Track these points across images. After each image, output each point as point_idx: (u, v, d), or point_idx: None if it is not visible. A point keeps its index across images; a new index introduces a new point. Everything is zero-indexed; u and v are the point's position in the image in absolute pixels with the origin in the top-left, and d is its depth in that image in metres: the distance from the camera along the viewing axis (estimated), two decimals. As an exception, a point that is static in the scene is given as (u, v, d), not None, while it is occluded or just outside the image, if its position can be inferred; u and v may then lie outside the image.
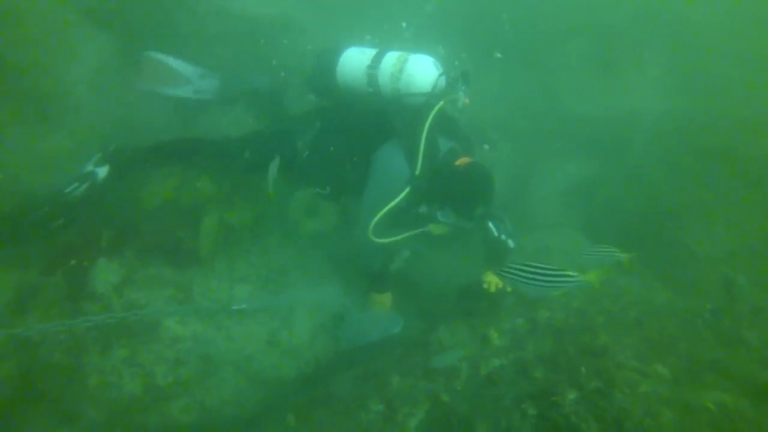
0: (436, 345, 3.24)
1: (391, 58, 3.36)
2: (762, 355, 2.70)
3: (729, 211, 4.11)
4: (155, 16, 4.86)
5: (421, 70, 3.31)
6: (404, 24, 4.21)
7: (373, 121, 3.44)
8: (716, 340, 2.89)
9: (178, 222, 4.01)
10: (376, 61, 3.39)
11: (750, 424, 2.12)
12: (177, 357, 3.35)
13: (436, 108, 3.14)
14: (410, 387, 2.85)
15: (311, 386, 3.55)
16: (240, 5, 5.15)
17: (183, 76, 4.59)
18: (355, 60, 3.49)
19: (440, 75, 3.32)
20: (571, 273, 2.48)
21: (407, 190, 3.13)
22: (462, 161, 3.18)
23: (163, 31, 4.95)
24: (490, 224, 3.40)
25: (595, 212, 4.92)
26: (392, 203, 3.10)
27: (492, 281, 3.23)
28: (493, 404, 2.53)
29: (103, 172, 3.71)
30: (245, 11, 5.24)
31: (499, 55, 5.19)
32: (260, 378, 3.59)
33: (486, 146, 4.01)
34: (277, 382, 3.64)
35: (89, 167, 3.72)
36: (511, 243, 3.44)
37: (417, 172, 3.10)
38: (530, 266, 2.55)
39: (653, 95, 5.21)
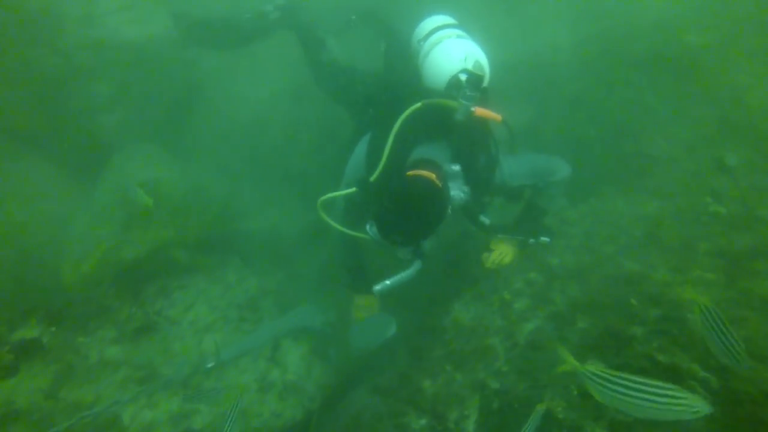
0: (453, 329, 2.73)
1: (436, 38, 2.82)
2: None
3: (674, 109, 3.96)
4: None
5: (442, 61, 2.71)
6: None
7: (367, 109, 2.97)
8: (732, 227, 2.63)
9: (111, 285, 3.23)
10: (429, 36, 2.85)
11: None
12: (156, 447, 2.59)
13: (409, 110, 2.45)
14: (447, 386, 2.32)
15: (326, 422, 2.94)
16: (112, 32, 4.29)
17: None
18: (422, 29, 3.01)
19: (460, 72, 2.60)
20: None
21: (353, 190, 2.48)
22: (413, 173, 2.26)
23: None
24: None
25: (548, 147, 4.62)
26: (335, 194, 2.56)
27: (495, 256, 2.78)
28: (550, 372, 2.07)
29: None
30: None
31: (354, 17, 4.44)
32: (264, 434, 2.91)
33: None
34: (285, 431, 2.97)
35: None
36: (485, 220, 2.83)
37: (372, 178, 2.43)
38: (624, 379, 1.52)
39: (564, 26, 5.02)
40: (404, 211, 2.13)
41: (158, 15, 4.67)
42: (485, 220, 2.97)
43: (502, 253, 2.81)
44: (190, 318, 3.27)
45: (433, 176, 2.18)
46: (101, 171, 4.55)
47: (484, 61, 2.82)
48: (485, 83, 2.77)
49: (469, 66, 2.68)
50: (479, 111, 2.55)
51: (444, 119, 2.56)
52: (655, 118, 4.02)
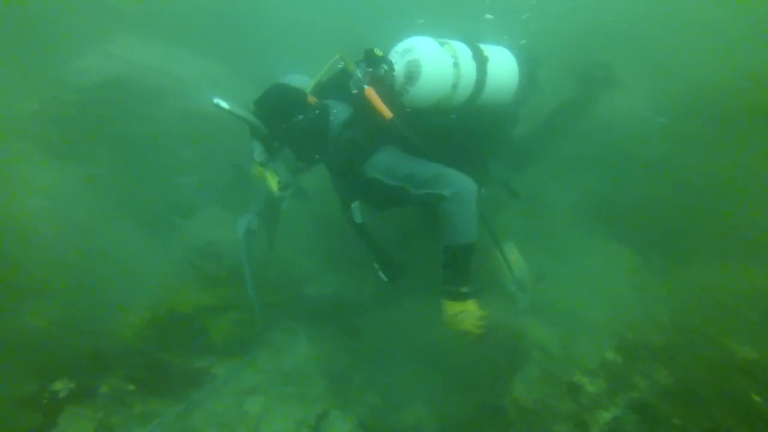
0: (513, 410, 2.33)
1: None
2: None
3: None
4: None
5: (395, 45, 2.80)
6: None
7: None
8: None
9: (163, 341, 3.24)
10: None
11: None
12: None
13: (331, 61, 2.79)
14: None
15: None
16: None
17: None
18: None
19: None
20: None
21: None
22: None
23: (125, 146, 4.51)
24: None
25: (621, 218, 4.11)
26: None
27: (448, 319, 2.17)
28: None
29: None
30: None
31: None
32: None
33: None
34: None
35: None
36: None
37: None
38: None
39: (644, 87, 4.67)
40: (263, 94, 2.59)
41: (240, 89, 5.12)
42: (357, 214, 2.48)
43: (455, 316, 2.11)
44: (235, 377, 3.15)
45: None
46: (175, 230, 4.81)
47: (426, 61, 2.45)
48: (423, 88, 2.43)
49: (380, 49, 2.52)
50: (369, 93, 2.34)
51: (344, 83, 2.61)
52: (759, 180, 3.49)
